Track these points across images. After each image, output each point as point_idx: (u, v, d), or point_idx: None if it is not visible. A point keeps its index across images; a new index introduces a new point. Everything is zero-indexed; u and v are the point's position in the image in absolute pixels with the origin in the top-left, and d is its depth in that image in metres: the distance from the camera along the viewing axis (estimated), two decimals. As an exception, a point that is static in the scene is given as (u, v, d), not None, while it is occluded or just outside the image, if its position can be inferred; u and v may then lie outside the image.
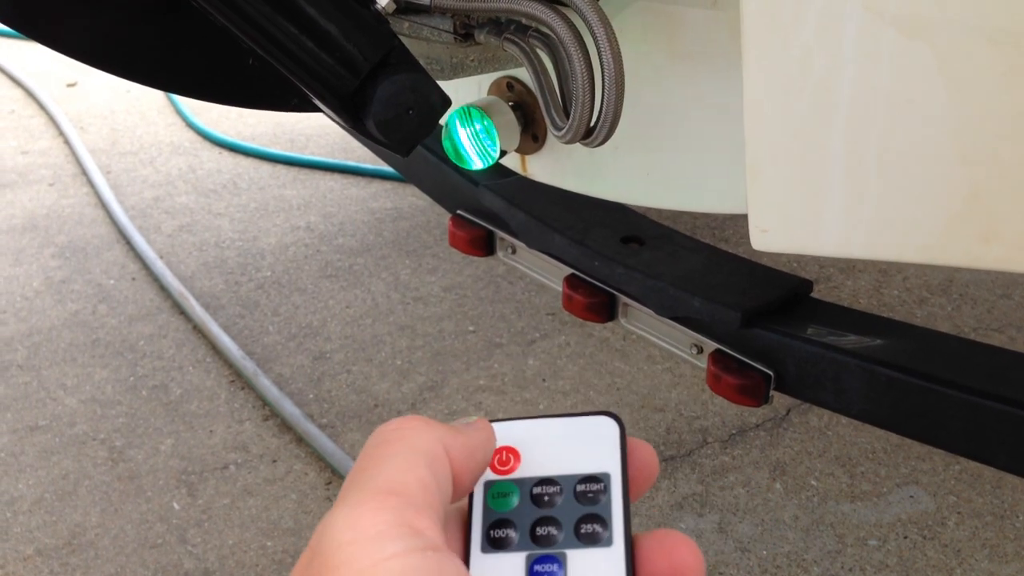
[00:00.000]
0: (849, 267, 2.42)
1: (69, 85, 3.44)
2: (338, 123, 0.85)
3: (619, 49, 0.78)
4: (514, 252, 1.49)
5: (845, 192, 0.65)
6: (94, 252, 2.45)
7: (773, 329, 1.20)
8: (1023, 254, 0.59)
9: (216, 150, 3.02)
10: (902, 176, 0.62)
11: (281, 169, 2.89)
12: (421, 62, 0.93)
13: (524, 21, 0.94)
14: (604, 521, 0.45)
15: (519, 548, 0.44)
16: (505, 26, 0.94)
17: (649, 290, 1.28)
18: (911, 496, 1.74)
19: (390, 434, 0.43)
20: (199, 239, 2.52)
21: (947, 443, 1.10)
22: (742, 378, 1.21)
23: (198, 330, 2.15)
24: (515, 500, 0.46)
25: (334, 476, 1.76)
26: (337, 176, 2.84)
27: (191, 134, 3.12)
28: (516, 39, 0.92)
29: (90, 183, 2.77)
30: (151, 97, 3.38)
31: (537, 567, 0.44)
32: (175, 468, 1.78)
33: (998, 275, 2.41)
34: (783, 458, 1.82)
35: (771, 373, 1.19)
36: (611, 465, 0.46)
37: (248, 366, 1.99)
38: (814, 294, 1.28)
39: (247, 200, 2.72)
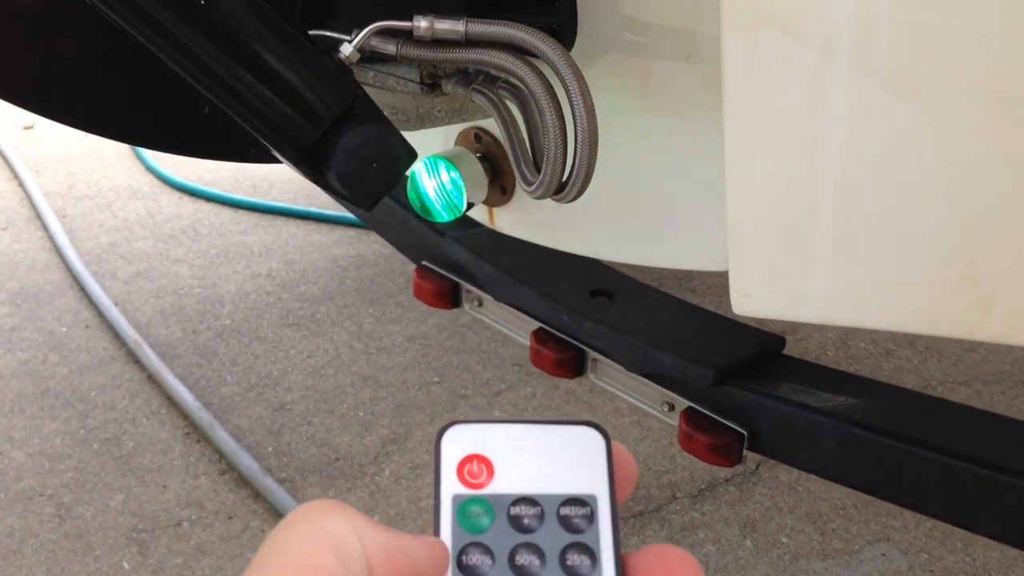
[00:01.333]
0: (816, 318, 2.41)
1: (26, 128, 3.38)
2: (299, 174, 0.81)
3: (592, 103, 0.76)
4: (481, 305, 1.46)
5: (832, 257, 0.62)
6: (46, 299, 2.38)
7: (747, 387, 1.17)
8: (1020, 325, 0.56)
9: (176, 195, 2.96)
10: (893, 241, 0.59)
11: (243, 215, 2.84)
12: (386, 112, 0.89)
13: (493, 72, 0.92)
14: (592, 552, 0.40)
15: None
16: (473, 76, 0.91)
17: (619, 345, 1.25)
18: (883, 554, 1.71)
19: (294, 516, 0.38)
20: (156, 286, 2.46)
21: (926, 507, 1.08)
22: (715, 437, 1.18)
23: (153, 380, 2.08)
24: (490, 520, 0.41)
25: (292, 534, 1.69)
26: (300, 222, 2.80)
27: (150, 178, 3.06)
28: (484, 90, 0.89)
29: (44, 227, 2.71)
30: (109, 141, 3.33)
31: None
32: (125, 525, 1.71)
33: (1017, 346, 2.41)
34: (753, 514, 1.79)
35: (744, 432, 1.16)
36: (598, 485, 0.41)
37: (204, 418, 1.93)
38: (793, 357, 1.26)
39: (207, 246, 2.66)
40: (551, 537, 0.40)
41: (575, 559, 0.40)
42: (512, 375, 2.13)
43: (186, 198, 2.94)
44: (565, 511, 0.41)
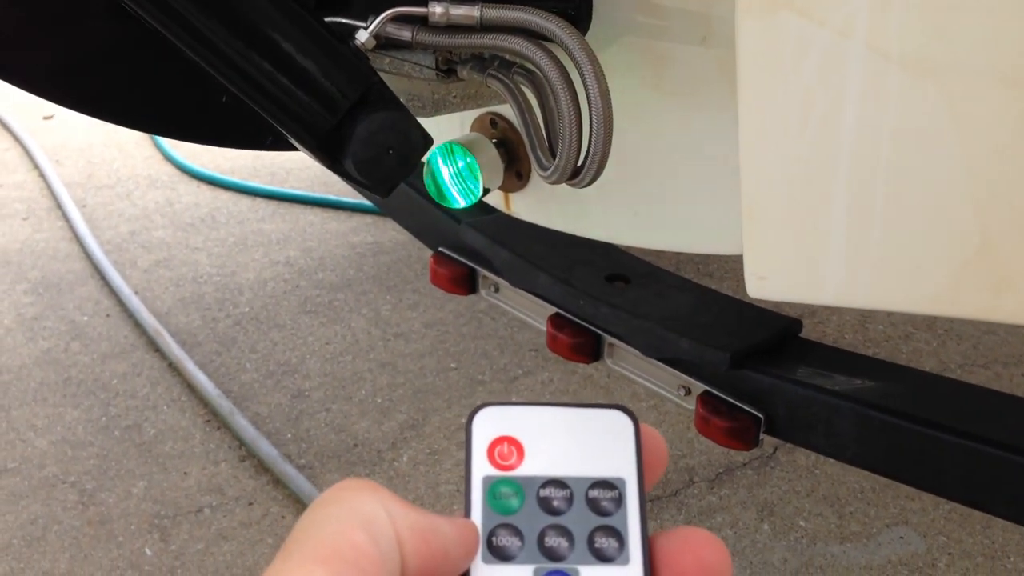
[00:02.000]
0: (834, 302, 2.40)
1: (46, 118, 3.40)
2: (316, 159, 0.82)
3: (607, 87, 0.76)
4: (497, 291, 1.46)
5: (847, 238, 0.62)
6: (68, 288, 2.40)
7: (763, 371, 1.17)
8: (1037, 306, 0.56)
9: (195, 183, 2.98)
10: (908, 222, 0.59)
11: (260, 203, 2.86)
12: (402, 98, 0.90)
13: (509, 57, 0.92)
14: (620, 535, 0.40)
15: (526, 560, 0.40)
16: (489, 62, 0.92)
17: (635, 330, 1.25)
18: (901, 537, 1.71)
19: (326, 496, 0.38)
20: (176, 274, 2.47)
21: (943, 490, 1.07)
22: (731, 421, 1.18)
23: (173, 368, 2.10)
24: (520, 502, 0.41)
25: (312, 519, 1.71)
26: (317, 210, 2.81)
27: (169, 167, 3.08)
28: (500, 75, 0.89)
29: (65, 217, 2.73)
30: (129, 130, 3.34)
31: None
32: (147, 512, 1.73)
33: None
34: (771, 498, 1.79)
35: (761, 416, 1.16)
36: (626, 469, 0.42)
37: (224, 405, 1.94)
38: (809, 340, 1.26)
39: (225, 234, 2.68)
40: (580, 519, 0.40)
41: (603, 542, 0.40)
42: (529, 361, 2.14)
43: (204, 187, 2.95)
44: (594, 494, 0.41)
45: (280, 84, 0.72)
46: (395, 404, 2.01)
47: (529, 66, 0.87)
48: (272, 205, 2.84)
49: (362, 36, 0.76)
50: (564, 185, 0.96)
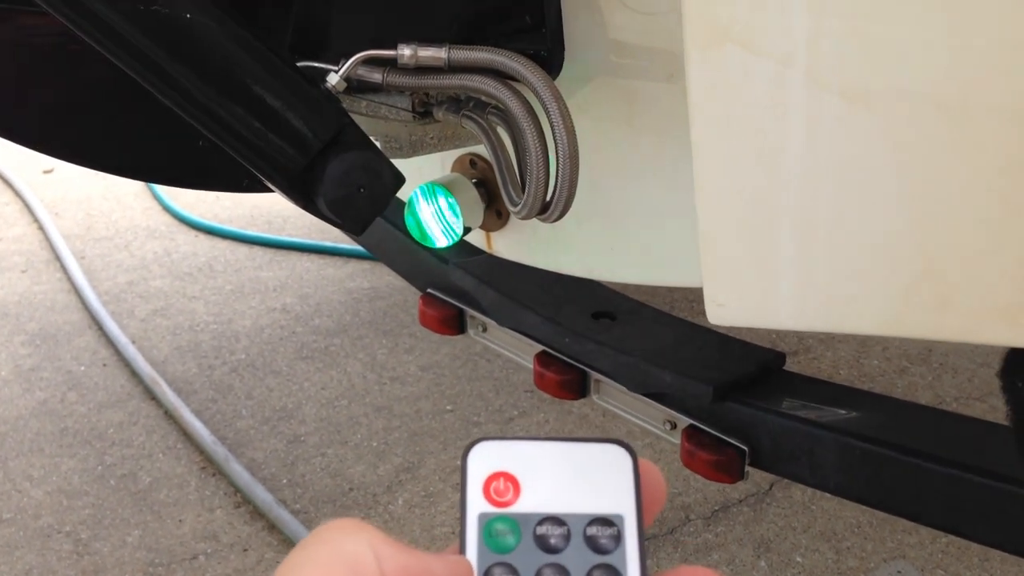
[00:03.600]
0: (828, 338, 2.41)
1: (45, 172, 3.44)
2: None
3: (572, 124, 0.78)
4: (485, 330, 1.47)
5: (798, 264, 0.63)
6: (65, 339, 2.42)
7: (746, 403, 1.18)
8: (979, 324, 0.57)
9: (192, 233, 3.00)
10: (854, 247, 0.61)
11: (257, 251, 2.88)
12: (379, 140, 0.92)
13: (484, 99, 0.94)
14: (619, 574, 0.39)
15: None
16: (464, 103, 0.94)
17: (620, 366, 1.26)
18: (899, 571, 1.70)
19: (311, 537, 0.37)
20: (173, 323, 2.49)
21: (925, 518, 1.08)
22: (716, 454, 1.18)
23: (169, 416, 2.10)
24: (516, 539, 0.40)
25: (306, 564, 1.70)
26: (314, 257, 2.83)
27: (167, 218, 3.11)
28: (474, 116, 0.91)
29: (63, 269, 2.75)
30: (128, 182, 3.38)
31: None
32: (142, 560, 1.73)
33: (977, 344, 2.40)
34: (767, 534, 1.79)
35: (745, 448, 1.17)
36: (625, 505, 0.41)
37: (219, 452, 1.95)
38: (794, 366, 1.27)
39: (222, 282, 2.70)
40: (578, 557, 0.40)
41: None
42: (524, 401, 2.14)
43: (202, 236, 2.98)
44: (592, 531, 0.40)
45: (252, 127, 0.74)
46: (391, 447, 2.01)
47: (502, 107, 0.89)
48: (269, 253, 2.87)
49: (333, 79, 0.79)
50: (543, 223, 0.97)
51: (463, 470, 0.42)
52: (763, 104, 0.59)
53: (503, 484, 0.41)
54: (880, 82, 0.55)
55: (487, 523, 0.40)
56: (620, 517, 0.40)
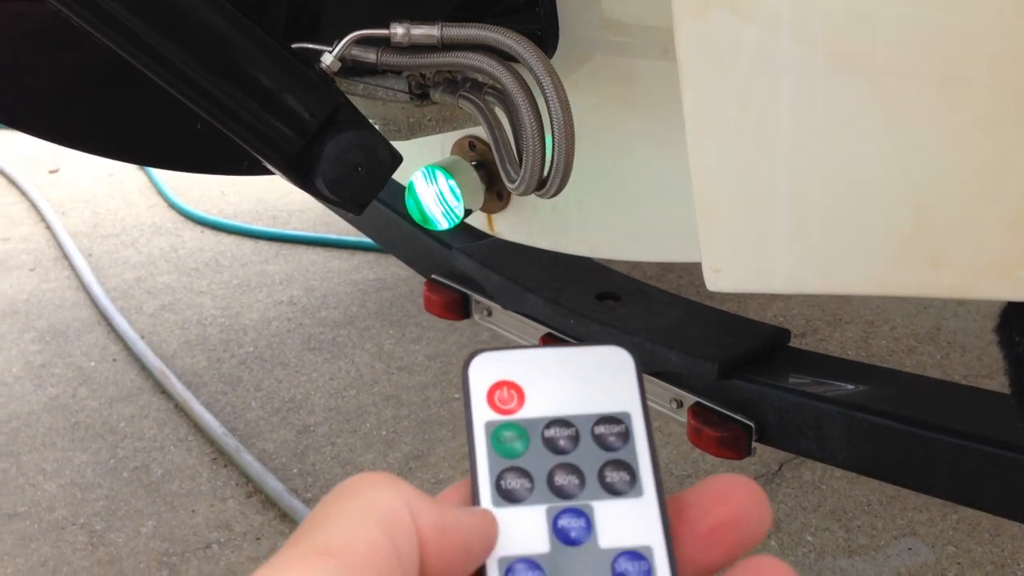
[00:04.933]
0: (835, 319, 2.41)
1: (51, 171, 3.46)
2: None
3: (566, 97, 0.78)
4: (490, 314, 1.48)
5: (792, 227, 0.63)
6: (75, 335, 2.43)
7: (752, 380, 1.18)
8: (973, 279, 0.57)
9: (198, 229, 3.01)
10: (847, 206, 0.61)
11: (263, 245, 2.89)
12: (377, 123, 0.92)
13: (480, 79, 0.94)
14: (630, 468, 0.39)
15: (537, 500, 0.39)
16: (460, 84, 0.94)
17: (625, 345, 1.26)
18: (909, 548, 1.70)
19: (344, 488, 0.35)
20: (181, 317, 2.50)
21: (934, 488, 1.08)
22: (723, 430, 1.18)
23: (180, 409, 2.12)
24: (524, 445, 0.40)
25: (318, 552, 1.71)
26: (320, 250, 2.83)
27: (173, 214, 3.12)
28: (471, 96, 0.91)
29: (71, 266, 2.76)
30: (133, 180, 3.40)
31: (561, 522, 0.38)
32: (156, 550, 1.74)
33: (986, 322, 2.40)
34: (777, 514, 1.79)
35: (752, 424, 1.17)
36: (630, 403, 0.41)
37: (230, 443, 1.96)
38: (800, 346, 1.27)
39: (229, 277, 2.71)
40: (588, 456, 0.40)
41: (614, 476, 0.40)
42: (532, 388, 2.14)
43: (208, 232, 2.99)
44: (600, 430, 0.40)
45: (249, 108, 0.74)
46: (400, 436, 2.02)
47: (499, 86, 0.89)
48: (275, 247, 2.87)
49: (327, 59, 0.79)
50: (544, 204, 0.97)
51: (464, 382, 0.42)
52: (753, 68, 0.60)
53: (507, 392, 0.41)
54: (868, 41, 0.55)
55: (494, 431, 0.40)
56: (627, 415, 0.41)
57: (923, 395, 1.13)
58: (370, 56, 0.80)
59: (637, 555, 0.38)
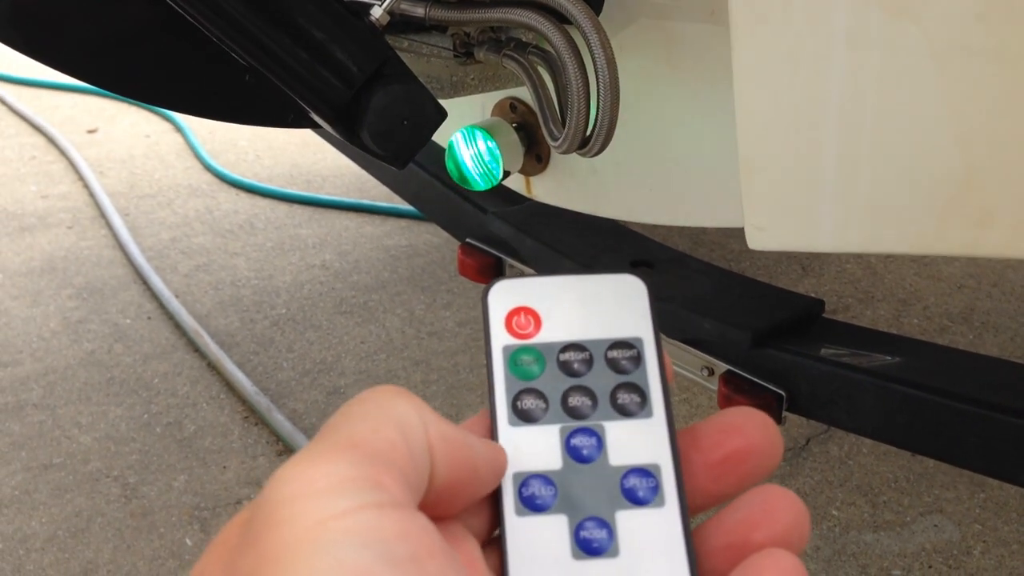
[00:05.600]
0: (867, 296, 2.40)
1: (90, 131, 3.49)
2: (334, 141, 0.84)
3: (613, 55, 0.78)
4: (524, 279, 1.48)
5: (839, 184, 0.63)
6: (111, 292, 2.47)
7: (784, 349, 1.18)
8: (1021, 238, 0.57)
9: (233, 192, 3.04)
10: (895, 163, 0.61)
11: (297, 209, 2.91)
12: (421, 80, 0.93)
13: (524, 38, 0.95)
14: (641, 391, 0.41)
15: (551, 420, 0.41)
16: (505, 43, 0.94)
17: (658, 313, 1.26)
18: (935, 525, 1.70)
19: (363, 396, 0.37)
20: (215, 278, 2.53)
21: (966, 461, 1.08)
22: (754, 399, 1.19)
23: (212, 367, 2.14)
24: (540, 368, 0.42)
25: (347, 510, 1.74)
26: (352, 215, 2.85)
27: (209, 176, 3.15)
28: (515, 55, 0.92)
29: (108, 225, 2.80)
30: (170, 142, 3.42)
31: (573, 440, 0.40)
32: (188, 504, 1.77)
33: (1021, 303, 2.38)
34: (803, 488, 1.79)
35: (783, 393, 1.17)
36: (642, 329, 0.42)
37: (262, 402, 1.98)
38: (831, 319, 1.27)
39: (263, 240, 2.73)
40: (601, 378, 0.41)
41: (625, 397, 0.41)
42: (561, 356, 2.15)
43: (243, 194, 3.01)
44: (612, 354, 0.42)
45: (299, 58, 0.75)
46: (428, 400, 2.02)
47: (544, 46, 0.89)
48: (308, 211, 2.89)
49: (377, 12, 0.80)
50: (583, 168, 0.98)
51: (484, 308, 0.43)
52: (805, 20, 0.60)
53: (524, 318, 0.43)
54: (924, -4, 0.55)
55: (512, 354, 0.42)
56: (639, 340, 0.42)
57: (956, 367, 1.13)
58: (418, 10, 0.81)
59: (645, 472, 0.40)
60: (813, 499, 1.76)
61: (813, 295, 2.40)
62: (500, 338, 0.43)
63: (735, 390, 1.21)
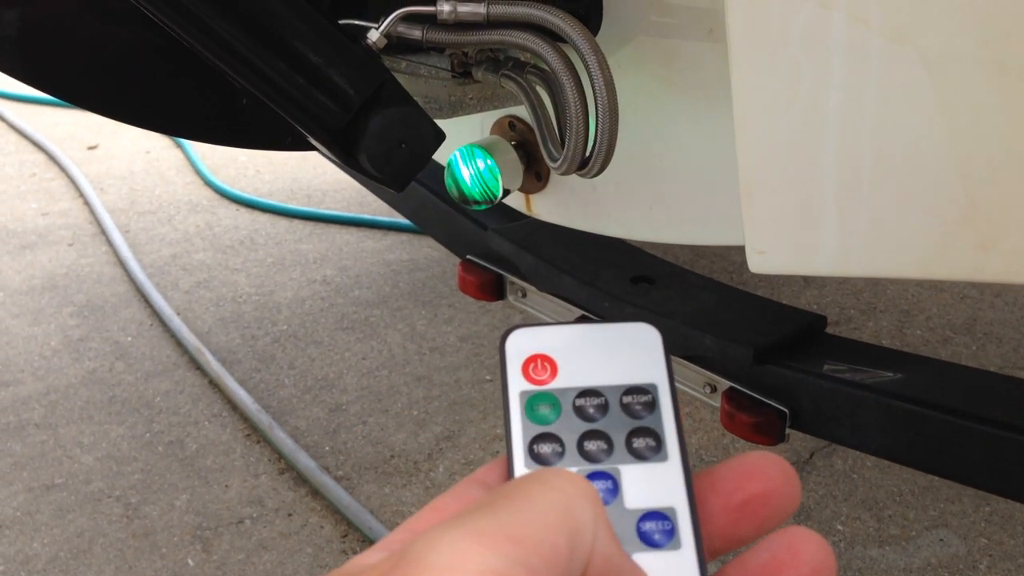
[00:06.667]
0: (870, 308, 2.39)
1: (90, 148, 3.49)
2: (334, 162, 0.84)
3: (611, 76, 0.78)
4: (524, 296, 1.48)
5: (839, 208, 0.63)
6: (112, 310, 2.46)
7: (787, 365, 1.18)
8: (1022, 264, 0.57)
9: (234, 207, 3.04)
10: (896, 188, 0.60)
11: (298, 224, 2.91)
12: (419, 101, 0.92)
13: (522, 58, 0.94)
14: (656, 435, 0.42)
15: (567, 463, 0.41)
16: (503, 63, 0.94)
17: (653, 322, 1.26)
18: (941, 539, 1.69)
19: (552, 478, 0.36)
20: (216, 295, 2.52)
21: (971, 479, 1.07)
22: (756, 416, 1.18)
23: (214, 385, 2.14)
24: (556, 413, 0.43)
25: (350, 528, 1.73)
26: (353, 229, 2.85)
27: (209, 192, 3.15)
28: (513, 75, 0.92)
29: (109, 242, 2.80)
30: (170, 157, 3.42)
31: None
32: (190, 524, 1.76)
33: (1022, 313, 2.37)
34: (808, 502, 1.78)
35: (786, 410, 1.17)
36: (657, 375, 0.43)
37: (263, 420, 1.98)
38: (835, 334, 1.26)
39: (264, 255, 2.73)
40: (616, 423, 0.42)
41: (640, 442, 0.42)
42: (563, 371, 2.15)
43: (243, 210, 3.01)
44: (627, 399, 0.43)
45: (295, 83, 0.75)
46: (431, 416, 2.03)
47: (542, 65, 0.89)
48: (309, 226, 2.89)
49: (373, 36, 0.79)
50: (583, 185, 0.97)
51: (502, 355, 0.44)
52: (804, 46, 0.59)
53: (540, 365, 0.44)
54: (923, 20, 0.55)
55: (528, 400, 0.43)
56: (653, 386, 0.43)
57: (959, 383, 1.13)
58: (415, 33, 0.81)
59: (661, 515, 0.40)
60: (817, 513, 1.76)
61: (816, 307, 2.40)
62: (517, 384, 0.43)
63: (738, 407, 1.20)
